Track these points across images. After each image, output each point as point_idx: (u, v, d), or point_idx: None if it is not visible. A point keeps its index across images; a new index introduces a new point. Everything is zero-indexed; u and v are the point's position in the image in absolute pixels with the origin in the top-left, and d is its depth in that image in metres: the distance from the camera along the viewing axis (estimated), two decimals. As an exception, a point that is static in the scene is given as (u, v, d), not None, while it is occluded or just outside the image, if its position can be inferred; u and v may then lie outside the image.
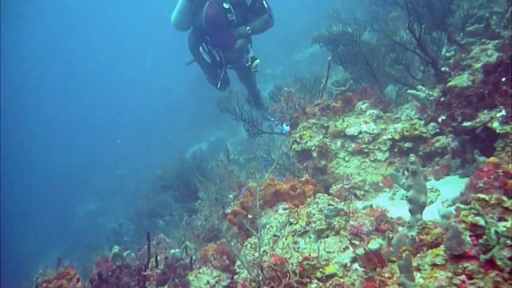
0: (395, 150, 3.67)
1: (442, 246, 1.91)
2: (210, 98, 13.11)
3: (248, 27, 4.94)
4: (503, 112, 2.72)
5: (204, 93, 14.63)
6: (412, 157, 2.18)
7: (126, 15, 39.04)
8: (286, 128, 5.20)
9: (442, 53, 4.13)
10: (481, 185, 2.43)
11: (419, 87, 3.80)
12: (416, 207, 2.21)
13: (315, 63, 14.63)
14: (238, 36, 4.96)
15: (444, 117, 3.04)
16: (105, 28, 38.62)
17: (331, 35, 4.31)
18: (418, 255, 2.00)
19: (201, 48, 5.18)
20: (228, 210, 3.56)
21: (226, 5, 4.74)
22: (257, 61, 5.18)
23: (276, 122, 5.07)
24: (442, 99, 3.11)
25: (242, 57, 5.37)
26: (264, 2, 4.98)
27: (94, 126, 29.87)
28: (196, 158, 6.21)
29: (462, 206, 1.90)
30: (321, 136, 3.93)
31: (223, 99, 4.66)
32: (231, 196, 4.36)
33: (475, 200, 1.88)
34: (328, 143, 3.85)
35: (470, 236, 1.82)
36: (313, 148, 3.88)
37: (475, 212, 1.80)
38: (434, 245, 2.02)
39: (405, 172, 3.50)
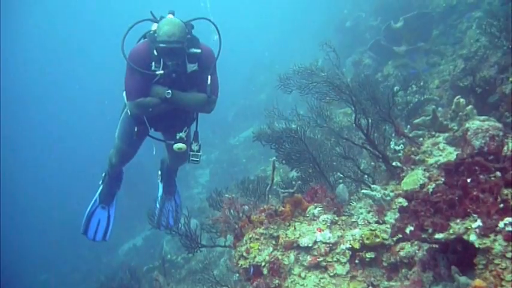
0: (357, 261, 3.20)
1: None
2: (144, 192, 12.32)
3: (169, 91, 4.02)
4: (479, 222, 2.37)
5: (138, 187, 13.83)
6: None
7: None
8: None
9: (391, 146, 3.91)
10: (472, 316, 2.01)
11: (374, 186, 3.47)
12: None
13: (251, 147, 14.55)
14: (152, 93, 4.07)
15: (412, 228, 2.65)
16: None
17: (273, 133, 3.95)
18: None
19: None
20: None
21: (156, 53, 3.96)
22: (181, 145, 4.35)
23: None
24: (406, 205, 2.75)
25: (170, 133, 4.63)
26: (209, 78, 4.12)
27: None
28: (126, 276, 5.31)
29: None
30: (271, 248, 3.39)
31: (154, 213, 4.00)
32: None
33: None
34: (280, 257, 3.31)
35: None
36: (263, 264, 3.31)
37: None
38: None
39: (372, 289, 3.04)
